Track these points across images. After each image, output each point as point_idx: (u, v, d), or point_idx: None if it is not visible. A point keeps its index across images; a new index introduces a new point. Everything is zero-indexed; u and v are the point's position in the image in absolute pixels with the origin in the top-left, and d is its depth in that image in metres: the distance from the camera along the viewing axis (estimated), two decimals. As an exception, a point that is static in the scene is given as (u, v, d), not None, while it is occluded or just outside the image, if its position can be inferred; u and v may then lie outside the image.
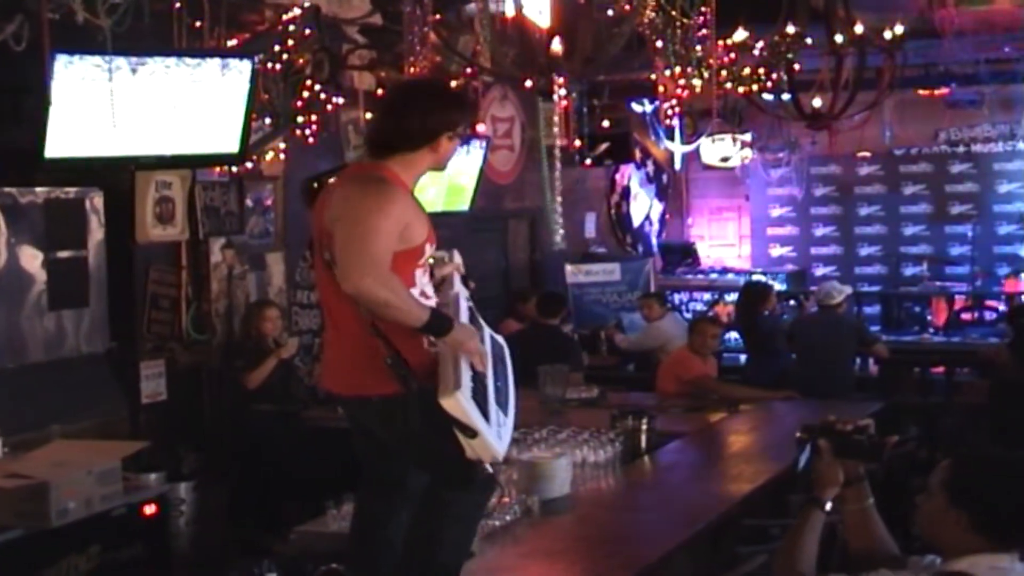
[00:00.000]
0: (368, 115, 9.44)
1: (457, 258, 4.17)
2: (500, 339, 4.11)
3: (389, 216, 3.67)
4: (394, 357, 3.69)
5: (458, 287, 4.08)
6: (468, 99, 4.03)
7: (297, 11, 7.75)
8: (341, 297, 3.72)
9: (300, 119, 8.21)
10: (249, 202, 8.65)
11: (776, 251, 15.27)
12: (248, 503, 7.80)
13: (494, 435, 3.68)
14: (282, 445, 7.82)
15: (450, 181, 10.40)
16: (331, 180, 4.00)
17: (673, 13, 7.05)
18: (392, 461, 4.07)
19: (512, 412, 3.96)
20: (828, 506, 3.53)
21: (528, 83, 5.24)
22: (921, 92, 12.96)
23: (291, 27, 7.70)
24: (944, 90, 12.87)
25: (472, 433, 3.60)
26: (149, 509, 6.61)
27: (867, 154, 14.48)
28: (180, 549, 7.25)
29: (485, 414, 3.69)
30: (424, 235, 3.83)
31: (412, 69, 7.85)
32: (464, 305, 4.01)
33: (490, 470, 3.89)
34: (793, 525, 3.61)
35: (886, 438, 3.59)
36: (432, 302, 3.89)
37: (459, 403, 3.58)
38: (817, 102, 8.75)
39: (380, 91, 9.33)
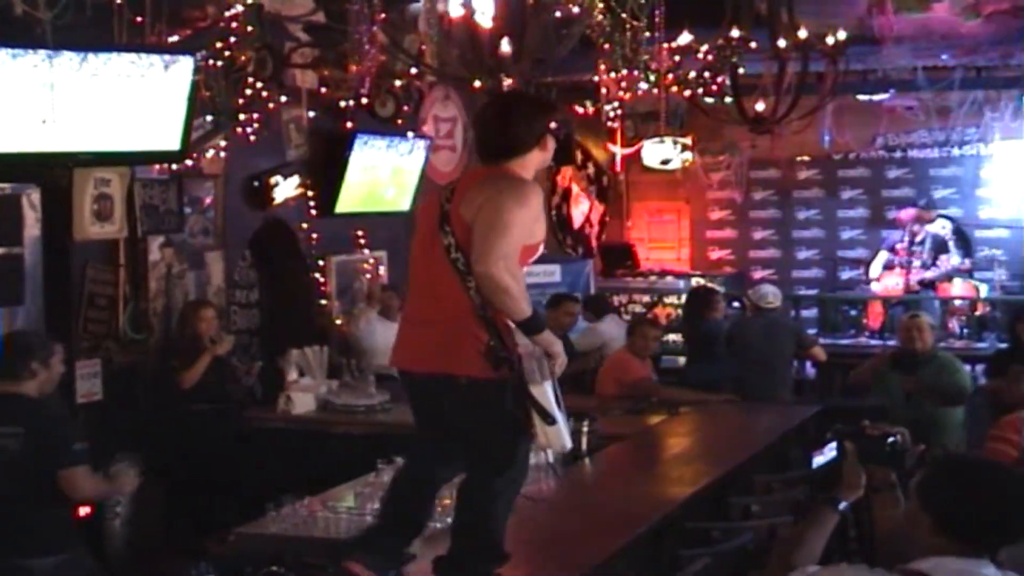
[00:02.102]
0: (310, 113, 9.43)
1: None
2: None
3: (529, 210, 4.03)
4: (497, 342, 4.00)
5: None
6: (554, 101, 4.53)
7: (240, 8, 7.67)
8: (450, 281, 4.04)
9: (242, 117, 8.14)
10: (188, 201, 8.56)
11: (715, 254, 15.36)
12: (186, 504, 7.73)
13: (566, 428, 4.06)
14: (219, 445, 7.75)
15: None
16: (465, 177, 4.36)
17: (623, 16, 7.06)
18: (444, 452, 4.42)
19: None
20: (842, 506, 3.57)
21: (476, 84, 5.22)
22: (860, 97, 13.08)
23: (233, 24, 7.62)
24: (883, 96, 13.01)
25: (552, 420, 3.97)
26: (83, 510, 6.53)
27: (806, 158, 14.61)
28: (115, 551, 7.18)
29: (560, 406, 4.06)
30: (542, 235, 4.15)
31: (356, 68, 7.81)
32: None
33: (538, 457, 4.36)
34: (803, 520, 3.66)
35: (915, 447, 3.66)
36: None
37: (546, 392, 3.97)
38: (760, 106, 8.80)
39: (323, 89, 9.29)
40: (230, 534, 5.27)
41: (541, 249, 4.18)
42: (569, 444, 4.17)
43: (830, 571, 3.36)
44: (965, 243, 13.22)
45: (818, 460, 3.68)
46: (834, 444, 3.66)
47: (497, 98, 4.65)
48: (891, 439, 3.64)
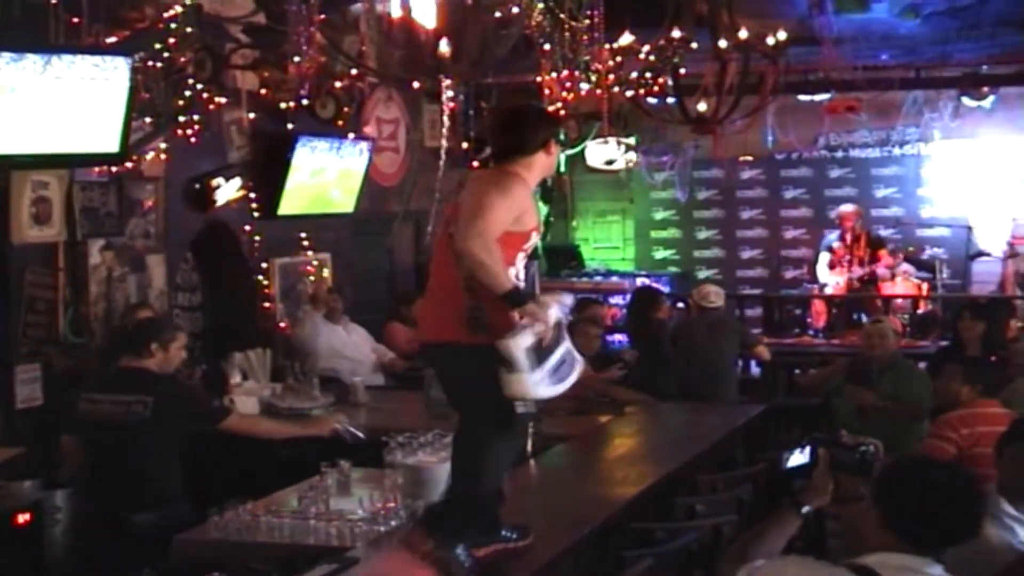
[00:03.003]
0: (251, 115, 9.39)
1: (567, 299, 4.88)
2: (577, 356, 4.76)
3: (507, 197, 4.48)
4: (477, 309, 4.44)
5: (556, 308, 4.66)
6: (558, 114, 4.97)
7: (179, 9, 7.61)
8: (452, 262, 4.49)
9: (182, 119, 8.07)
10: (128, 204, 8.47)
11: (660, 254, 15.42)
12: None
13: (533, 380, 4.40)
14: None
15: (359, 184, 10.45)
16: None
17: (561, 16, 7.07)
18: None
19: (561, 389, 4.61)
20: (805, 510, 3.60)
21: (415, 85, 5.22)
22: (801, 98, 13.16)
23: (172, 25, 7.56)
24: (824, 96, 13.10)
25: (514, 369, 4.34)
26: (22, 517, 6.45)
27: (749, 158, 14.68)
28: (55, 558, 7.06)
29: (534, 366, 4.40)
30: (533, 224, 4.62)
31: (295, 69, 7.77)
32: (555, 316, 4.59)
33: (522, 409, 4.55)
34: (766, 519, 3.68)
35: (887, 459, 3.69)
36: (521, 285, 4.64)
37: (511, 346, 4.34)
38: (702, 106, 8.82)
39: (264, 91, 9.22)
40: (172, 541, 5.21)
41: (534, 238, 4.63)
42: (533, 394, 4.46)
43: (776, 563, 3.39)
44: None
45: (789, 461, 3.72)
46: (808, 449, 3.70)
47: (509, 107, 5.25)
48: (863, 448, 3.68)
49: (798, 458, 3.73)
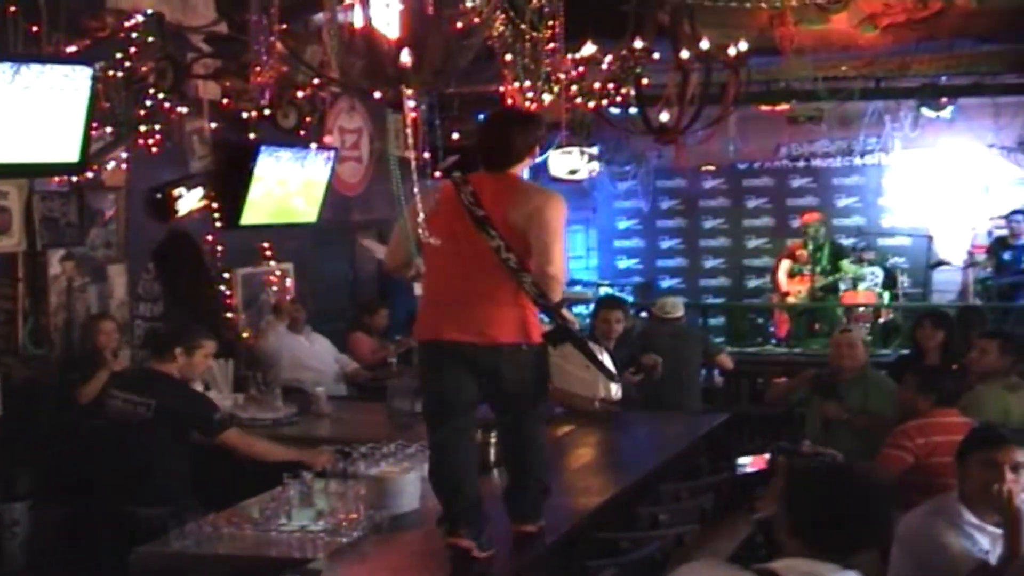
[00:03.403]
0: (213, 124, 9.33)
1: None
2: None
3: (564, 215, 4.88)
4: (562, 324, 4.86)
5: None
6: (542, 117, 6.02)
7: (140, 18, 7.56)
8: (503, 275, 4.76)
9: (143, 128, 8.03)
10: (89, 214, 8.41)
11: (623, 263, 15.47)
12: (89, 524, 7.57)
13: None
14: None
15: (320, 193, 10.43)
16: (485, 184, 4.96)
17: (522, 27, 7.08)
18: (470, 409, 5.06)
19: None
20: (756, 516, 3.63)
21: (377, 95, 5.23)
22: (763, 108, 13.23)
23: (133, 34, 7.52)
24: (785, 106, 13.18)
25: (616, 379, 5.27)
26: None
27: (711, 168, 14.75)
28: (14, 572, 7.01)
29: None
30: None
31: (257, 79, 7.75)
32: None
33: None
34: (718, 524, 3.72)
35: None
36: None
37: (607, 357, 5.11)
38: (664, 116, 8.83)
39: (225, 100, 9.18)
40: (131, 554, 5.17)
41: None
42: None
43: (693, 566, 3.43)
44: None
45: (745, 467, 3.76)
46: (769, 457, 3.73)
47: (495, 117, 5.37)
48: (820, 457, 3.71)
49: (757, 465, 3.76)
